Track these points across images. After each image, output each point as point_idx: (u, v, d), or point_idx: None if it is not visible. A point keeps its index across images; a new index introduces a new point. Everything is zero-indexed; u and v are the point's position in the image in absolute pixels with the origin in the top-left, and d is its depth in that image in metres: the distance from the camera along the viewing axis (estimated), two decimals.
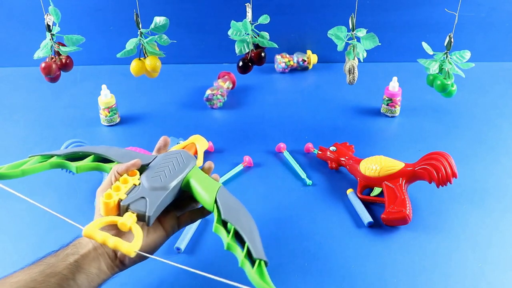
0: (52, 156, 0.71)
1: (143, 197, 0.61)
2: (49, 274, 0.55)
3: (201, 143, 0.80)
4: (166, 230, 0.66)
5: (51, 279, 0.54)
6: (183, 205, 0.71)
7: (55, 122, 1.27)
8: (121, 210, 0.60)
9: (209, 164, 0.72)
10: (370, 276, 0.79)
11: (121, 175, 0.64)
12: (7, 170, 0.68)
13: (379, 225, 0.90)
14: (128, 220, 0.58)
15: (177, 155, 0.70)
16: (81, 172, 0.69)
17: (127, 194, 0.62)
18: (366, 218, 0.90)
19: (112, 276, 0.61)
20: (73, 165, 0.69)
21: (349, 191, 0.97)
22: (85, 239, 0.60)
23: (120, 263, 0.61)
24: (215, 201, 0.62)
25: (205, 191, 0.64)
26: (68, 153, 0.71)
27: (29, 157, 0.70)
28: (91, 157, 0.71)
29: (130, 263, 0.62)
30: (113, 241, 0.54)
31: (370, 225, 0.90)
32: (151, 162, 0.69)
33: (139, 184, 0.64)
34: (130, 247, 0.54)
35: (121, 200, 0.61)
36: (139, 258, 0.62)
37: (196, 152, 0.78)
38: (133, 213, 0.59)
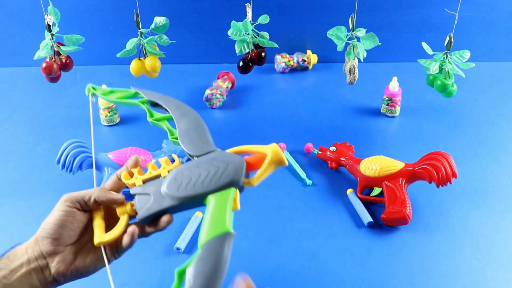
0: (142, 96, 0.68)
1: (149, 195, 0.57)
2: None
3: (275, 159, 0.59)
4: (109, 257, 0.58)
5: None
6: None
7: (55, 122, 1.27)
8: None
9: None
10: (370, 276, 0.79)
11: (96, 204, 0.57)
12: (102, 94, 0.68)
13: (379, 225, 0.90)
14: (122, 210, 0.57)
15: (222, 165, 0.57)
16: (153, 125, 0.67)
17: (144, 183, 0.58)
18: (366, 218, 0.90)
19: None
20: (148, 117, 0.67)
21: (349, 191, 0.97)
22: (21, 249, 0.54)
23: (54, 280, 0.56)
24: (202, 247, 0.50)
25: (207, 226, 0.52)
26: (154, 101, 0.67)
27: (131, 87, 0.68)
28: (167, 116, 0.67)
29: (66, 280, 0.56)
30: (95, 223, 0.56)
31: (370, 225, 0.90)
32: (197, 156, 0.59)
33: (164, 176, 0.58)
34: (97, 237, 0.54)
35: (134, 185, 0.58)
36: (75, 276, 0.57)
37: (258, 167, 0.60)
38: (132, 205, 0.57)
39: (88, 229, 0.58)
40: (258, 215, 0.92)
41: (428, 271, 0.80)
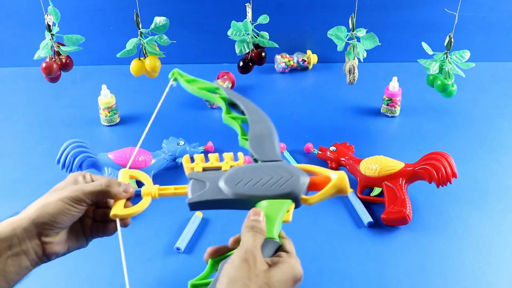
0: (222, 93, 0.69)
1: (204, 182, 0.56)
2: None
3: (338, 185, 0.58)
4: (87, 238, 0.58)
5: None
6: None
7: (55, 122, 1.27)
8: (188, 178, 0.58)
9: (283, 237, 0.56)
10: (370, 276, 0.79)
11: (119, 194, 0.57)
12: (185, 81, 0.70)
13: (379, 225, 0.90)
14: (147, 191, 0.57)
15: (286, 175, 0.56)
16: (225, 122, 0.66)
17: (204, 170, 0.58)
18: (366, 218, 0.90)
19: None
20: (224, 113, 0.66)
21: (349, 191, 0.97)
22: (6, 229, 0.52)
23: (46, 257, 0.55)
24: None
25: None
26: (233, 101, 0.68)
27: (215, 82, 0.70)
28: (242, 117, 0.66)
29: (57, 257, 0.56)
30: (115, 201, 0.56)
31: (370, 225, 0.90)
32: (264, 161, 0.58)
33: (225, 170, 0.58)
34: (114, 209, 0.55)
35: (193, 170, 0.58)
36: (66, 253, 0.57)
37: (318, 187, 0.59)
38: (185, 189, 0.57)
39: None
40: None
41: (428, 271, 0.80)
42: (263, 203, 0.54)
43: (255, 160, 0.60)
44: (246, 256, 0.47)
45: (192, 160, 0.60)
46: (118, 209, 0.55)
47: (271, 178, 0.56)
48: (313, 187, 0.59)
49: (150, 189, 0.58)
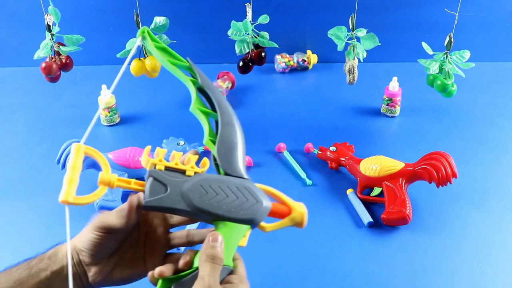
0: (195, 76, 0.62)
1: (165, 185, 0.52)
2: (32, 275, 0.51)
3: (296, 218, 0.57)
4: (148, 269, 0.54)
5: None
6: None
7: (55, 122, 1.27)
8: (145, 176, 0.53)
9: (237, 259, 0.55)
10: (370, 276, 0.79)
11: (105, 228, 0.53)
12: (154, 46, 0.60)
13: (379, 225, 0.90)
14: (104, 179, 0.51)
15: (252, 200, 0.54)
16: (193, 113, 0.60)
17: (166, 170, 0.53)
18: (366, 218, 0.90)
19: None
20: (193, 103, 0.59)
21: (349, 191, 0.97)
22: (63, 251, 0.53)
23: (89, 285, 0.55)
24: (196, 268, 0.49)
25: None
26: (204, 90, 0.60)
27: (187, 59, 0.63)
28: (212, 113, 0.60)
29: (101, 286, 0.55)
30: (69, 169, 0.50)
31: (370, 225, 0.90)
32: (227, 174, 0.55)
33: (188, 176, 0.53)
34: (63, 194, 0.48)
35: (154, 166, 0.53)
36: (111, 285, 0.55)
37: (277, 215, 0.57)
38: (143, 186, 0.52)
39: (128, 239, 0.56)
40: None
41: (428, 271, 0.80)
42: (221, 226, 0.52)
43: (217, 166, 0.56)
44: None
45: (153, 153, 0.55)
46: (68, 194, 0.49)
47: (236, 199, 0.53)
48: (272, 214, 0.56)
49: (109, 178, 0.52)
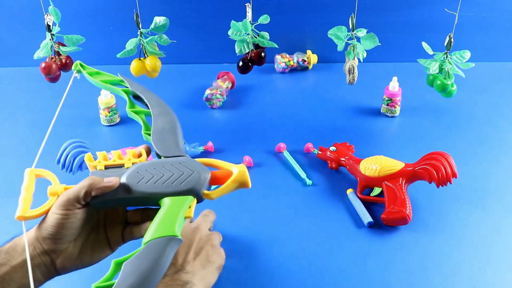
0: (127, 86, 0.70)
1: None
2: None
3: (239, 179, 0.58)
4: (112, 247, 0.60)
5: None
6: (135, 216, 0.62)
7: (55, 122, 1.27)
8: None
9: (207, 214, 0.63)
10: (370, 276, 0.79)
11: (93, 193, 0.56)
12: (88, 73, 0.72)
13: (379, 225, 0.90)
14: (53, 190, 0.57)
15: (187, 172, 0.57)
16: (130, 116, 0.67)
17: (105, 168, 0.58)
18: (366, 218, 0.90)
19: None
20: (127, 107, 0.67)
21: (349, 191, 0.97)
22: (21, 244, 0.55)
23: (57, 273, 0.56)
24: (145, 243, 0.51)
25: (155, 226, 0.52)
26: (137, 94, 0.68)
27: (118, 75, 0.71)
28: (145, 111, 0.66)
29: (69, 271, 0.57)
30: (22, 195, 0.57)
31: (370, 225, 0.90)
32: (165, 157, 0.59)
33: (127, 167, 0.58)
34: (19, 211, 0.55)
35: (95, 168, 0.59)
36: (80, 267, 0.58)
37: (222, 182, 0.59)
38: (66, 188, 0.58)
39: (89, 221, 0.58)
40: (258, 215, 0.92)
41: (428, 271, 0.80)
42: (166, 201, 0.54)
43: (158, 156, 0.60)
44: None
45: (95, 158, 0.60)
46: (24, 210, 0.56)
47: (172, 175, 0.56)
48: (215, 181, 0.59)
49: (56, 188, 0.58)
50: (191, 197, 0.55)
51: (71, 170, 0.94)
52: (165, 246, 0.50)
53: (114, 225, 0.61)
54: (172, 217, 0.52)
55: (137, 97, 0.69)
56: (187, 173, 0.56)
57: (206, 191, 0.57)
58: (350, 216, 0.92)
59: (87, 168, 0.96)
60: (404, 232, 0.88)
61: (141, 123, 0.65)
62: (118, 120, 1.25)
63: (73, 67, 0.71)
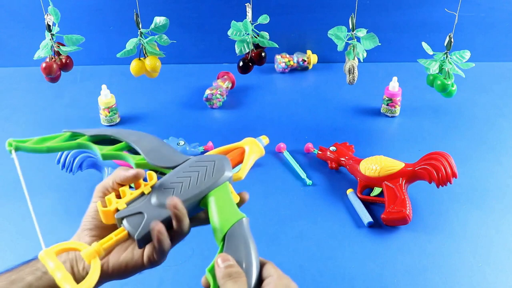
0: (82, 135, 0.60)
1: (139, 213, 0.51)
2: (13, 281, 0.49)
3: (254, 150, 0.63)
4: (144, 260, 0.53)
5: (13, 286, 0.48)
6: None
7: (55, 122, 1.27)
8: (117, 222, 0.52)
9: (244, 196, 0.57)
10: (370, 276, 0.79)
11: (120, 186, 0.54)
12: (33, 144, 0.57)
13: (379, 225, 0.90)
14: (89, 254, 0.48)
15: (209, 164, 0.56)
16: (105, 159, 0.59)
17: (127, 204, 0.52)
18: (366, 218, 0.90)
19: None
20: (99, 151, 0.58)
21: (349, 191, 0.97)
22: (40, 264, 0.51)
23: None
24: (223, 239, 0.50)
25: (219, 220, 0.51)
26: (99, 135, 0.60)
27: (63, 131, 0.61)
28: (120, 145, 0.59)
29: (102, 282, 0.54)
30: (60, 276, 0.45)
31: (370, 225, 0.90)
32: (177, 166, 0.56)
33: (148, 193, 0.53)
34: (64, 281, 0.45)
35: (118, 210, 0.52)
36: (109, 277, 0.54)
37: (240, 161, 0.63)
38: (124, 230, 0.51)
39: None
40: (258, 215, 0.92)
41: (428, 271, 0.80)
42: (210, 198, 0.54)
43: (164, 171, 0.57)
44: None
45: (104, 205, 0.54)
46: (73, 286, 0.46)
47: (199, 173, 0.55)
48: (234, 162, 0.61)
49: (92, 249, 0.49)
50: (226, 182, 0.56)
51: (71, 170, 0.94)
52: (242, 227, 0.51)
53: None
54: (228, 205, 0.53)
55: (100, 140, 0.61)
56: (210, 165, 0.56)
57: (234, 174, 0.58)
58: (350, 216, 0.92)
59: (87, 168, 0.96)
60: (404, 232, 0.88)
61: (128, 157, 0.59)
62: (118, 120, 1.25)
63: (6, 146, 0.55)
